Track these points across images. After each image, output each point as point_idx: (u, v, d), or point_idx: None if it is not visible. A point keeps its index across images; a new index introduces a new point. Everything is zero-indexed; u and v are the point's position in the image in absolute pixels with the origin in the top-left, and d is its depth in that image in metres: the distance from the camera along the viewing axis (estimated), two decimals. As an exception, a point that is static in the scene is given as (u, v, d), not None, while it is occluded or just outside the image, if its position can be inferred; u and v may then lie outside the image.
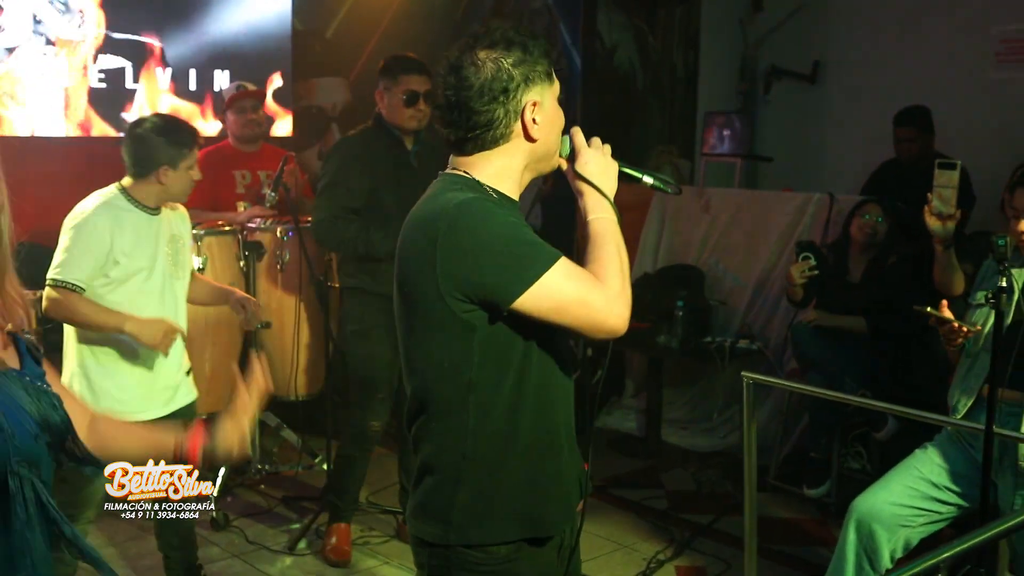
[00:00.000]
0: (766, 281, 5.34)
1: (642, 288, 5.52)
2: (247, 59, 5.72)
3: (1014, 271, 2.94)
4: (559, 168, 2.01)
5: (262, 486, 4.65)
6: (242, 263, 4.42)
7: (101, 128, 5.21)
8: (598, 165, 1.94)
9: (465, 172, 1.92)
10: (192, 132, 3.29)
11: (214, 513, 4.24)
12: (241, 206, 4.70)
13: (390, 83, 3.81)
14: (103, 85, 5.24)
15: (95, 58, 5.19)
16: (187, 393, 3.39)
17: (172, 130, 3.24)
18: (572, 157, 1.97)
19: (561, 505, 1.98)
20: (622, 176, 1.99)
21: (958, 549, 1.50)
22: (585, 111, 6.10)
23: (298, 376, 4.58)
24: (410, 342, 1.93)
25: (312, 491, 4.58)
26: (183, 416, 3.32)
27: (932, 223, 3.34)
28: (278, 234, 4.52)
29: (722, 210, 5.57)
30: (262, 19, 5.83)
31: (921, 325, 4.35)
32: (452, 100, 1.86)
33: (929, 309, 2.86)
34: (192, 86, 5.59)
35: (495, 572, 1.90)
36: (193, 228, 4.24)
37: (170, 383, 3.30)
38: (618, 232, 1.89)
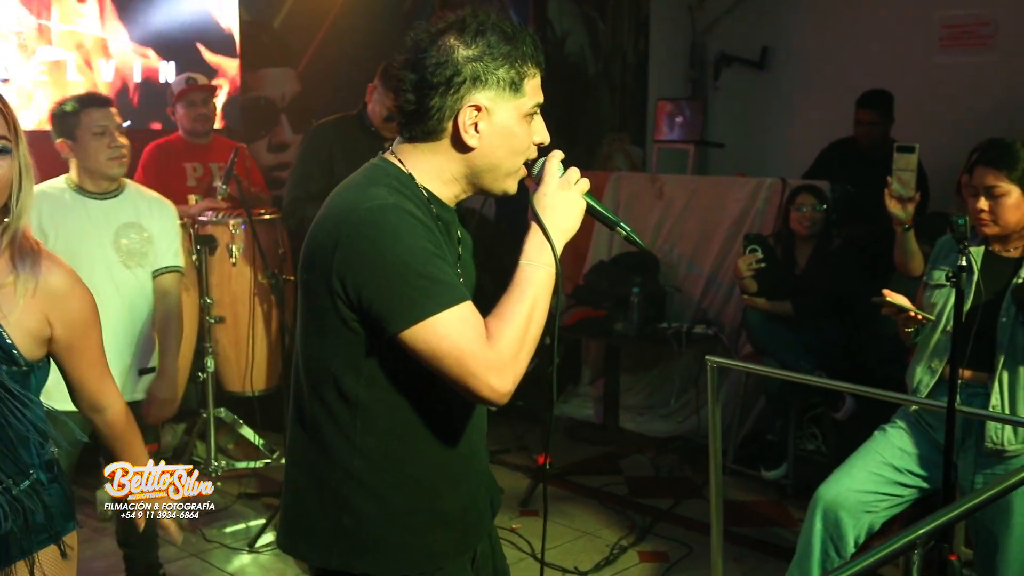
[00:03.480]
0: (720, 267, 5.38)
1: (598, 275, 5.54)
2: (194, 51, 5.62)
3: (972, 250, 2.99)
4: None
5: (219, 484, 4.58)
6: (194, 257, 4.34)
7: (43, 122, 5.09)
8: (556, 201, 1.73)
9: (401, 162, 1.76)
10: (86, 97, 3.20)
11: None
12: (192, 199, 4.62)
13: (383, 93, 3.86)
14: (44, 78, 5.12)
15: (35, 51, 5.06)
16: (135, 391, 3.31)
17: (63, 104, 3.17)
18: (537, 184, 1.77)
19: (453, 537, 1.82)
20: (595, 215, 1.79)
21: (934, 525, 1.51)
22: (537, 99, 6.09)
23: (253, 371, 4.52)
24: (305, 338, 1.76)
25: (271, 486, 4.53)
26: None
27: (892, 206, 3.40)
28: (230, 227, 4.45)
29: (676, 196, 5.60)
30: (208, 10, 5.73)
31: (838, 305, 4.45)
32: (408, 74, 1.70)
33: (887, 298, 2.89)
34: (137, 78, 5.48)
35: None
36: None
37: None
38: (545, 288, 1.68)
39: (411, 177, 1.74)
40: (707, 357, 2.93)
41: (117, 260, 3.21)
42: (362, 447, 1.72)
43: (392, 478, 1.75)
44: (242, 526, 4.22)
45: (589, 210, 1.77)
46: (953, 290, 2.95)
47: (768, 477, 4.60)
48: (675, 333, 5.05)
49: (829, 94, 6.22)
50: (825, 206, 4.54)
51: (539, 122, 1.77)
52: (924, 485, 3.02)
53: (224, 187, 4.24)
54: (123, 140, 3.19)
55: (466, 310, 1.63)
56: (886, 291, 2.91)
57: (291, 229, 4.20)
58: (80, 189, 3.18)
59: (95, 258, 3.15)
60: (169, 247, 3.39)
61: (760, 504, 4.51)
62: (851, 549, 2.99)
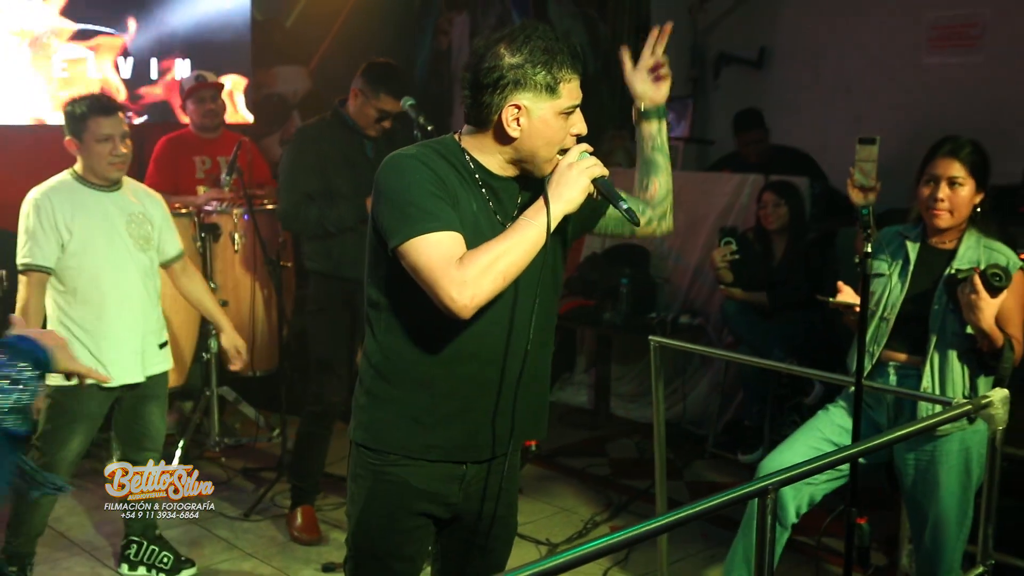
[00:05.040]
0: (706, 260, 5.55)
1: (590, 267, 5.75)
2: (207, 48, 5.89)
3: (909, 243, 3.18)
4: None
5: (223, 459, 4.85)
6: (199, 244, 4.62)
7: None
8: (563, 177, 2.05)
9: (458, 137, 2.14)
10: (96, 103, 3.41)
11: (175, 483, 4.45)
12: (201, 190, 4.90)
13: (369, 93, 3.87)
14: (65, 75, 5.41)
15: (57, 48, 5.36)
16: (155, 364, 3.59)
17: (73, 104, 3.42)
18: None
19: (437, 435, 2.16)
20: (602, 193, 2.07)
21: (791, 475, 1.70)
22: (538, 97, 6.29)
23: (255, 353, 4.78)
24: (366, 265, 2.19)
25: (269, 461, 4.80)
26: (151, 387, 3.58)
27: (854, 195, 3.59)
28: (234, 217, 4.72)
29: (666, 192, 5.77)
30: (222, 9, 5.99)
31: (812, 297, 4.63)
32: (467, 74, 2.07)
33: (830, 300, 3.08)
34: (153, 75, 5.77)
35: (381, 474, 2.18)
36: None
37: (118, 356, 3.45)
38: (527, 239, 2.00)
39: (461, 148, 2.12)
40: (651, 337, 3.13)
41: (133, 244, 3.49)
42: (381, 342, 2.17)
43: (396, 369, 2.15)
44: (244, 497, 4.47)
45: (598, 190, 2.07)
46: (893, 279, 3.16)
47: (744, 461, 4.80)
48: (660, 323, 5.25)
49: (822, 94, 6.39)
50: (784, 200, 4.71)
51: (577, 116, 2.11)
52: (860, 460, 3.20)
53: (228, 178, 4.51)
54: (124, 148, 3.44)
55: (446, 236, 1.98)
56: (840, 283, 3.10)
57: (294, 231, 4.31)
58: (86, 182, 3.46)
59: (115, 244, 3.45)
60: (172, 235, 3.71)
61: (734, 484, 4.67)
62: (792, 519, 3.19)
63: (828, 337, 4.74)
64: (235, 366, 3.82)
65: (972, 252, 3.08)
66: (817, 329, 4.72)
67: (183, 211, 4.63)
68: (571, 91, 2.06)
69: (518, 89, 2.01)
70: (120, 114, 3.46)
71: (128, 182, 3.60)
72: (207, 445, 4.88)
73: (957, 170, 3.06)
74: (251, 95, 6.13)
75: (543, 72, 2.01)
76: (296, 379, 4.86)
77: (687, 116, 6.50)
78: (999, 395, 2.36)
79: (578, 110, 2.11)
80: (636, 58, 2.41)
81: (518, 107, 2.02)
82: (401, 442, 2.17)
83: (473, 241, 2.02)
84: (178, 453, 4.60)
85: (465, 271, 1.95)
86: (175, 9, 5.77)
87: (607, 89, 6.74)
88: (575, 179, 2.05)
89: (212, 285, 4.65)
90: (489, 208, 2.13)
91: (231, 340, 3.76)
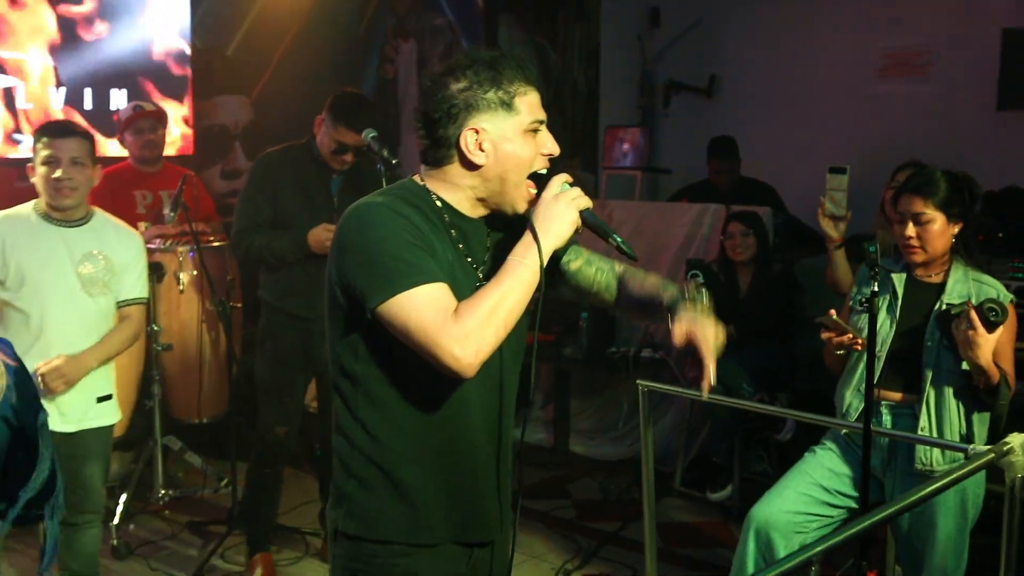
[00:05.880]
0: (667, 291, 5.45)
1: (546, 300, 5.59)
2: (144, 78, 5.64)
3: (895, 276, 3.09)
4: None
5: (166, 512, 4.57)
6: (141, 285, 4.35)
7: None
8: (547, 211, 1.88)
9: (419, 179, 1.97)
10: (43, 125, 3.30)
11: (115, 541, 4.17)
12: (142, 227, 4.63)
13: (329, 124, 3.75)
14: (-6, 106, 5.12)
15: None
16: (91, 417, 3.31)
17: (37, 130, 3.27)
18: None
19: (441, 516, 1.96)
20: (590, 227, 1.91)
21: (829, 543, 1.57)
22: (489, 127, 6.16)
23: (201, 399, 4.52)
24: (327, 327, 1.98)
25: (219, 514, 4.52)
26: (88, 443, 3.28)
27: (825, 224, 3.51)
28: (178, 255, 4.47)
29: (624, 221, 5.68)
30: (160, 37, 5.75)
31: (779, 329, 4.56)
32: (418, 114, 1.93)
33: (833, 317, 2.96)
34: (88, 105, 5.49)
35: (387, 567, 1.94)
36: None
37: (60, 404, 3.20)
38: (523, 281, 1.83)
39: (426, 190, 1.95)
40: (639, 382, 3.00)
41: (79, 287, 3.22)
42: (364, 419, 1.93)
43: (386, 448, 1.92)
44: (190, 554, 4.21)
45: (585, 222, 1.91)
46: (880, 315, 3.06)
47: (714, 499, 4.68)
48: (622, 357, 5.12)
49: (774, 122, 6.36)
50: (752, 231, 4.63)
51: (545, 136, 1.94)
52: (853, 505, 3.09)
53: (172, 215, 4.27)
54: (73, 173, 3.18)
55: (435, 289, 1.80)
56: (832, 311, 2.99)
57: (240, 258, 4.17)
58: (45, 215, 3.22)
59: (57, 285, 3.18)
60: (136, 279, 3.40)
61: (704, 525, 4.57)
62: (784, 569, 3.05)
63: (793, 370, 4.66)
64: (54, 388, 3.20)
65: (961, 286, 3.00)
66: (783, 362, 4.63)
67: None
68: (530, 105, 1.91)
69: (472, 112, 1.87)
70: (73, 139, 3.21)
71: (100, 216, 3.34)
72: (150, 499, 4.58)
73: (920, 206, 2.98)
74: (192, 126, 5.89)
75: (492, 89, 1.88)
76: (245, 424, 4.61)
77: (640, 144, 6.41)
78: (1019, 440, 2.24)
79: (545, 129, 1.95)
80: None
81: (476, 131, 1.88)
82: (404, 529, 1.94)
83: (453, 293, 1.84)
84: (119, 509, 4.30)
85: (464, 324, 1.77)
86: (111, 37, 5.51)
87: (559, 118, 6.63)
88: (563, 212, 1.88)
89: (155, 327, 4.39)
90: (460, 253, 1.95)
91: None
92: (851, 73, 6.11)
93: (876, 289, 2.50)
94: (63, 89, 5.38)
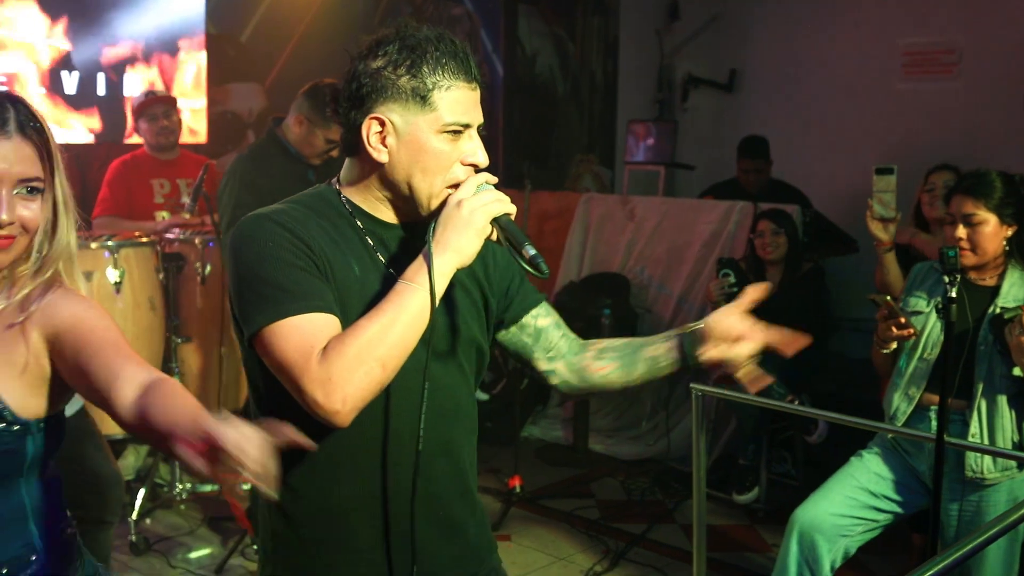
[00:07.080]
0: (691, 289, 5.37)
1: (567, 296, 5.52)
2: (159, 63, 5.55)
3: (947, 279, 3.01)
4: None
5: (183, 507, 4.48)
6: (161, 276, 4.26)
7: None
8: (448, 221, 1.58)
9: (336, 180, 1.72)
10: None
11: (133, 537, 4.08)
12: (160, 216, 4.54)
13: (317, 121, 3.65)
14: (3, 89, 5.01)
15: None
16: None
17: None
18: None
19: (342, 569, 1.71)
20: (506, 237, 1.61)
21: (948, 560, 1.49)
22: (507, 118, 6.08)
23: (221, 391, 4.43)
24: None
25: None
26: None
27: (874, 227, 3.43)
28: (198, 245, 4.37)
29: (647, 218, 5.60)
30: (174, 23, 5.65)
31: (810, 329, 4.48)
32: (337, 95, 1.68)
33: (888, 298, 2.90)
34: (101, 91, 5.39)
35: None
36: (109, 240, 4.11)
37: None
38: (408, 309, 1.54)
39: (336, 193, 1.70)
40: (692, 385, 2.90)
41: None
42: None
43: (291, 498, 1.68)
44: (207, 551, 4.12)
45: (501, 231, 1.61)
46: (932, 317, 2.99)
47: (740, 501, 4.60)
48: (645, 355, 5.02)
49: (795, 117, 6.29)
50: (783, 230, 4.54)
51: (469, 142, 1.63)
52: (899, 510, 3.03)
53: (192, 204, 4.17)
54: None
55: (307, 321, 1.53)
56: (888, 296, 2.93)
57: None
58: None
59: None
60: None
61: (731, 528, 4.50)
62: (827, 573, 2.99)
63: (816, 372, 4.58)
64: None
65: (1017, 289, 2.93)
66: (814, 362, 4.55)
67: (144, 239, 4.26)
68: (452, 103, 1.59)
69: (381, 99, 1.58)
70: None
71: None
72: (168, 493, 4.49)
73: (971, 207, 2.92)
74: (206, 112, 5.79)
75: (406, 76, 1.58)
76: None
77: (664, 139, 6.32)
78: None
79: (475, 135, 1.64)
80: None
81: (381, 121, 1.59)
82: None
83: (364, 313, 1.56)
84: (137, 503, 4.21)
85: (330, 366, 1.48)
86: (125, 22, 5.41)
87: (575, 110, 6.55)
88: (466, 220, 1.56)
89: (175, 320, 4.30)
90: (379, 263, 1.66)
91: None
92: (875, 69, 6.03)
93: (954, 295, 2.42)
94: (76, 74, 5.28)
